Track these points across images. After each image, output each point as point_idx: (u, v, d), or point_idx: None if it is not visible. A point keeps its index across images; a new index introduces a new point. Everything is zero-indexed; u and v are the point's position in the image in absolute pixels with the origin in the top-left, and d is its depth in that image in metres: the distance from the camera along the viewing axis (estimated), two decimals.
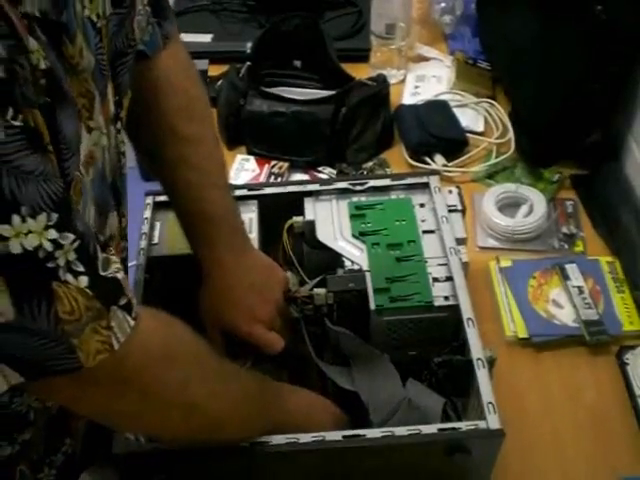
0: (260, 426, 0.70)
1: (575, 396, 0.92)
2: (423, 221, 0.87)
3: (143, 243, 0.86)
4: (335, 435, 0.70)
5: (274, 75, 1.27)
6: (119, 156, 0.70)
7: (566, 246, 1.07)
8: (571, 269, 1.01)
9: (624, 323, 0.96)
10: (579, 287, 0.99)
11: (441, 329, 0.80)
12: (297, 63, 1.29)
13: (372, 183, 0.92)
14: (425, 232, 0.86)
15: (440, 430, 0.70)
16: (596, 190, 1.14)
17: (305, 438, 0.69)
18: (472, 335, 0.75)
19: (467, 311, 0.77)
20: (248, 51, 1.31)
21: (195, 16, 1.48)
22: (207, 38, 1.41)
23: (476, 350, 0.74)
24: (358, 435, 0.70)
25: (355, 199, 0.91)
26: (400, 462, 0.72)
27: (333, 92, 1.20)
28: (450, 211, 0.88)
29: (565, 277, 1.00)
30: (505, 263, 1.03)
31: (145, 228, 0.88)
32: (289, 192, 0.93)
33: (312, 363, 0.83)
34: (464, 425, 0.70)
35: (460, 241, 0.86)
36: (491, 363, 0.75)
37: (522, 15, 1.18)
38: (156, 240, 0.88)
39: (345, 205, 0.90)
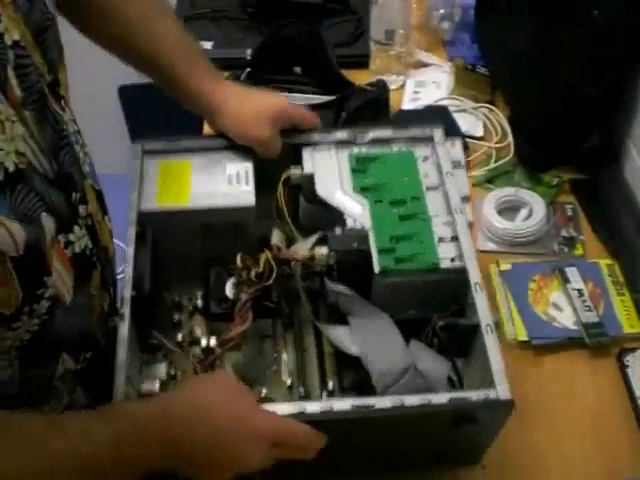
0: None
1: (575, 398, 0.92)
2: (426, 176, 0.83)
3: (133, 196, 0.81)
4: (344, 404, 0.68)
5: (274, 81, 1.27)
6: (64, 139, 0.67)
7: (566, 249, 1.08)
8: (571, 272, 1.01)
9: (624, 325, 0.96)
10: (579, 290, 0.99)
11: (446, 291, 0.77)
12: (297, 69, 1.30)
13: (373, 134, 0.87)
14: (429, 189, 0.82)
15: (450, 400, 0.68)
16: (595, 194, 1.14)
17: (312, 408, 0.67)
18: (480, 300, 0.73)
19: (475, 275, 0.74)
20: (248, 57, 1.32)
21: (196, 24, 1.49)
22: (207, 45, 1.42)
23: (484, 316, 0.72)
24: (367, 405, 0.67)
25: (356, 150, 0.86)
26: (405, 429, 0.71)
27: (333, 97, 1.20)
28: (454, 167, 0.84)
29: (565, 280, 1.01)
30: (505, 266, 1.03)
31: (134, 179, 0.82)
32: (287, 142, 0.86)
33: (307, 326, 0.81)
34: (474, 395, 0.68)
35: (465, 199, 0.83)
36: (494, 327, 0.73)
37: (520, 20, 1.19)
38: (147, 192, 0.82)
39: (345, 157, 0.85)
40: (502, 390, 0.68)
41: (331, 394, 0.79)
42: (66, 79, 0.71)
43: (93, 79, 1.55)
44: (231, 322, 0.77)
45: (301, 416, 0.66)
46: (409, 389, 0.72)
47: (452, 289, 0.77)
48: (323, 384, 0.80)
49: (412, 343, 0.77)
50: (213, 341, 0.79)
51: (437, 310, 0.77)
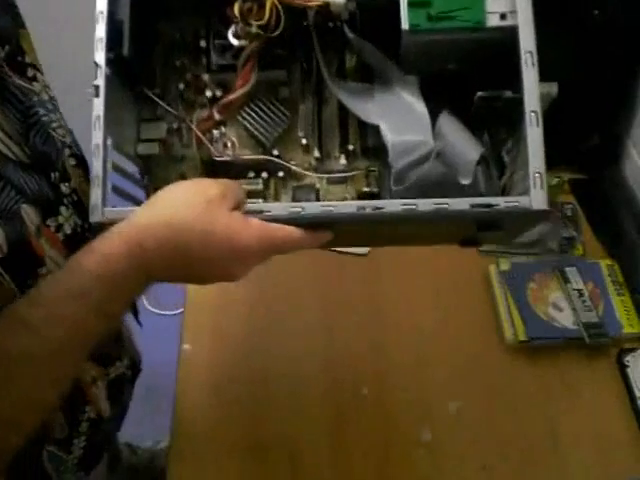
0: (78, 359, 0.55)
1: (575, 398, 0.92)
2: None
3: None
4: (347, 207, 0.58)
5: None
6: (32, 117, 0.63)
7: (566, 249, 1.08)
8: (571, 272, 1.01)
9: (624, 326, 0.96)
10: (579, 290, 0.99)
11: (490, 56, 0.63)
12: None
13: None
14: None
15: (472, 206, 0.57)
16: (595, 194, 1.14)
17: (312, 209, 0.58)
18: (529, 76, 0.60)
19: (528, 41, 0.60)
20: None
21: None
22: None
23: (531, 99, 0.59)
24: (376, 207, 0.58)
25: None
26: (421, 228, 0.64)
27: None
28: None
29: (565, 280, 1.01)
30: (505, 266, 1.03)
31: None
32: None
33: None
34: (502, 202, 0.57)
35: None
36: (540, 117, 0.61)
37: None
38: None
39: None
40: (537, 197, 0.57)
41: (351, 156, 0.69)
42: (30, 43, 0.65)
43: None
44: (236, 76, 0.67)
45: (297, 219, 0.57)
46: (429, 177, 0.62)
47: (498, 54, 0.62)
48: (343, 144, 0.69)
49: (442, 117, 0.65)
50: (219, 93, 0.69)
51: (477, 76, 0.64)
